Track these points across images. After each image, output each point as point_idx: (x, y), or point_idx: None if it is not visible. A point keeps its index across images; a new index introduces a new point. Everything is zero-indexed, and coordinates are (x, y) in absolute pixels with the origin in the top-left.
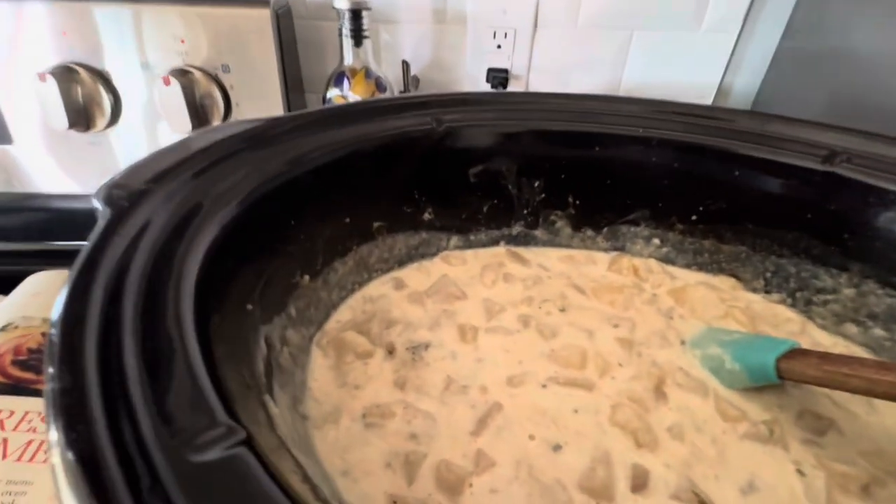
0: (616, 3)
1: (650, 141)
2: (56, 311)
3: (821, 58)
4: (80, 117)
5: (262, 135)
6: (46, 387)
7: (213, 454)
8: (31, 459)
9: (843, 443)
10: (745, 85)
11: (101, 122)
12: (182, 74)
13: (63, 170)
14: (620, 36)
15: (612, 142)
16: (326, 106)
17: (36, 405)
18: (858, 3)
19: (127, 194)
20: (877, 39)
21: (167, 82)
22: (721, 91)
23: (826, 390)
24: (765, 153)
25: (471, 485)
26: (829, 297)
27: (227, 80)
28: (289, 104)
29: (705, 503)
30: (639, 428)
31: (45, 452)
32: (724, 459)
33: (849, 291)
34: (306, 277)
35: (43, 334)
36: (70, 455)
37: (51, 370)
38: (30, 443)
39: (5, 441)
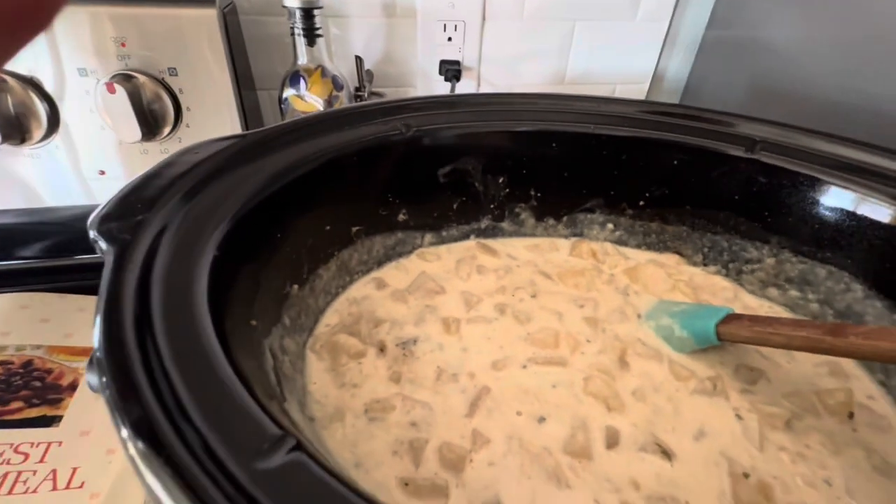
0: None
1: (600, 137)
2: (98, 348)
3: (741, 46)
4: (14, 130)
5: (239, 152)
6: (118, 423)
7: (276, 461)
8: (9, 492)
9: (770, 389)
10: (678, 70)
11: (38, 132)
12: (126, 80)
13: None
14: (564, 26)
15: (567, 139)
16: (298, 118)
17: (5, 437)
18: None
19: (126, 227)
20: (788, 31)
21: (111, 89)
22: (657, 75)
23: (756, 347)
24: (698, 144)
25: (471, 461)
26: (755, 266)
27: (174, 83)
28: (242, 105)
29: (666, 452)
30: (608, 395)
31: (24, 483)
32: (679, 413)
33: (770, 261)
34: (295, 287)
35: (0, 363)
36: (168, 472)
37: (121, 411)
38: (5, 476)
39: None
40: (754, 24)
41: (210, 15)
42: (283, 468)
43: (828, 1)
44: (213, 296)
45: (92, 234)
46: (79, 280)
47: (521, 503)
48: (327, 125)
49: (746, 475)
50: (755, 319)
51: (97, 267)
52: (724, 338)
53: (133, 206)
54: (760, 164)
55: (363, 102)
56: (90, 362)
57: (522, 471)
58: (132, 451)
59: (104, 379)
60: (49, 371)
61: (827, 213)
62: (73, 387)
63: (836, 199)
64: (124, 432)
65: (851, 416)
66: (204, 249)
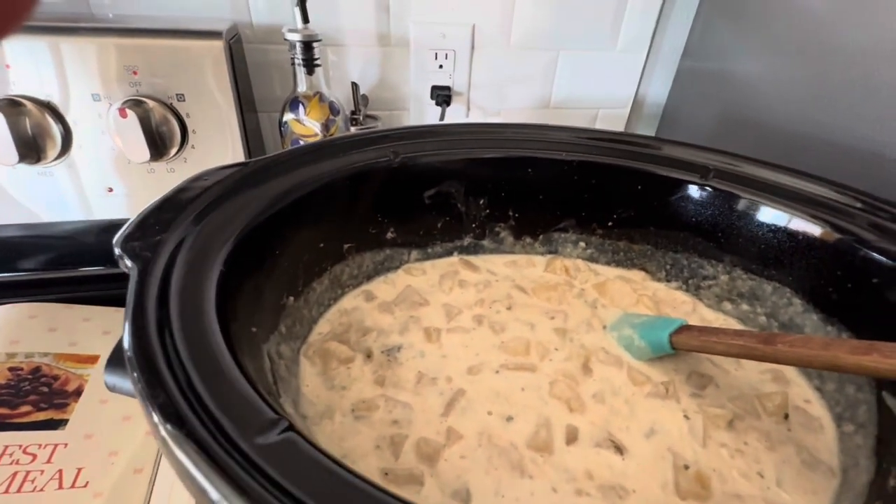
0: (542, 26)
1: (572, 163)
2: (128, 348)
3: (712, 76)
4: (30, 150)
5: (243, 178)
6: (148, 409)
7: (272, 438)
8: (18, 490)
9: (717, 393)
10: (655, 97)
11: (53, 152)
12: (137, 105)
13: (12, 202)
14: (548, 55)
15: (543, 165)
16: (295, 147)
17: (14, 438)
18: (737, 34)
19: (147, 246)
20: (754, 63)
21: (123, 114)
22: (637, 101)
23: (708, 356)
24: (659, 171)
25: (445, 454)
26: (711, 282)
27: (182, 108)
28: (244, 127)
29: (619, 447)
30: (571, 397)
31: (32, 482)
32: (634, 414)
33: (724, 277)
34: (291, 298)
35: (10, 369)
36: (192, 446)
37: (150, 399)
38: (14, 475)
39: None
40: (724, 55)
41: (217, 46)
42: (279, 444)
43: (788, 36)
44: (220, 306)
45: (117, 251)
46: (84, 291)
47: (487, 491)
48: (323, 153)
49: (687, 467)
50: (703, 330)
51: (100, 279)
52: (677, 346)
53: (152, 227)
54: (713, 190)
55: (355, 132)
56: (109, 365)
57: (490, 462)
58: (162, 432)
59: (135, 374)
60: (56, 377)
61: (770, 234)
62: (78, 392)
63: (777, 221)
64: (154, 417)
65: (787, 417)
66: (212, 265)
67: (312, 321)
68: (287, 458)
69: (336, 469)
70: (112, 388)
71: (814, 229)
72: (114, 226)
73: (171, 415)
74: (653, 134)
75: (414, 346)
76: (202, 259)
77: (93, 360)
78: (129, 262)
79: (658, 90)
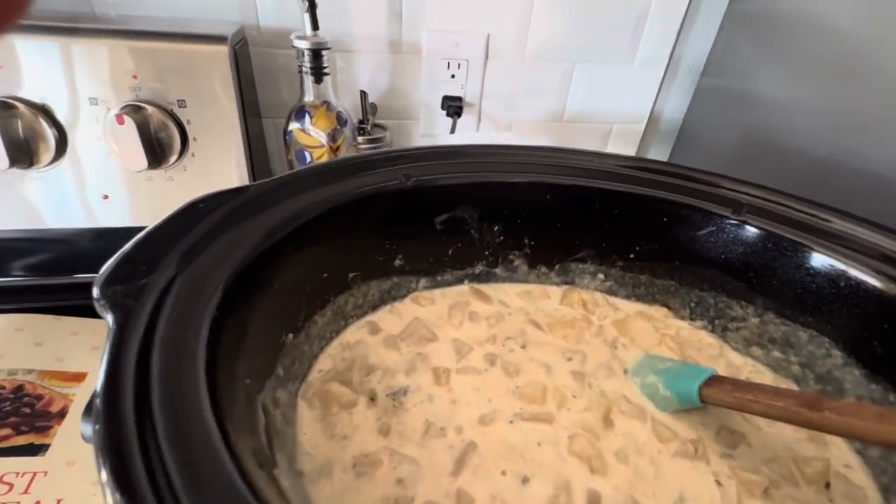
0: (559, 38)
1: (593, 190)
2: (96, 425)
3: (733, 95)
4: (23, 154)
5: (242, 206)
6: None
7: None
8: None
9: (750, 454)
10: (672, 113)
11: (46, 157)
12: (135, 111)
13: (3, 207)
14: (564, 67)
15: (562, 191)
16: (304, 168)
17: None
18: (762, 52)
19: (130, 291)
20: (778, 86)
21: (121, 120)
22: (653, 117)
23: None
24: (687, 203)
25: None
26: (739, 324)
27: (183, 114)
28: (248, 135)
29: None
30: (592, 455)
31: None
32: (660, 476)
33: (754, 320)
34: (290, 336)
35: None
36: None
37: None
38: None
39: None
40: (747, 74)
41: (222, 51)
42: None
43: (818, 57)
44: (210, 360)
45: (96, 295)
46: (76, 299)
47: None
48: (329, 175)
49: None
50: (737, 384)
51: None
52: (707, 400)
53: (137, 267)
54: (746, 227)
55: (364, 153)
56: (85, 414)
57: None
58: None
59: (99, 458)
60: (39, 397)
61: (809, 278)
62: (62, 414)
63: (817, 265)
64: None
65: (828, 485)
66: (204, 312)
67: (313, 357)
68: None
69: None
70: (88, 440)
71: (859, 276)
72: (110, 232)
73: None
74: (668, 151)
75: (421, 388)
76: (192, 305)
77: (80, 377)
78: (108, 313)
79: (676, 107)
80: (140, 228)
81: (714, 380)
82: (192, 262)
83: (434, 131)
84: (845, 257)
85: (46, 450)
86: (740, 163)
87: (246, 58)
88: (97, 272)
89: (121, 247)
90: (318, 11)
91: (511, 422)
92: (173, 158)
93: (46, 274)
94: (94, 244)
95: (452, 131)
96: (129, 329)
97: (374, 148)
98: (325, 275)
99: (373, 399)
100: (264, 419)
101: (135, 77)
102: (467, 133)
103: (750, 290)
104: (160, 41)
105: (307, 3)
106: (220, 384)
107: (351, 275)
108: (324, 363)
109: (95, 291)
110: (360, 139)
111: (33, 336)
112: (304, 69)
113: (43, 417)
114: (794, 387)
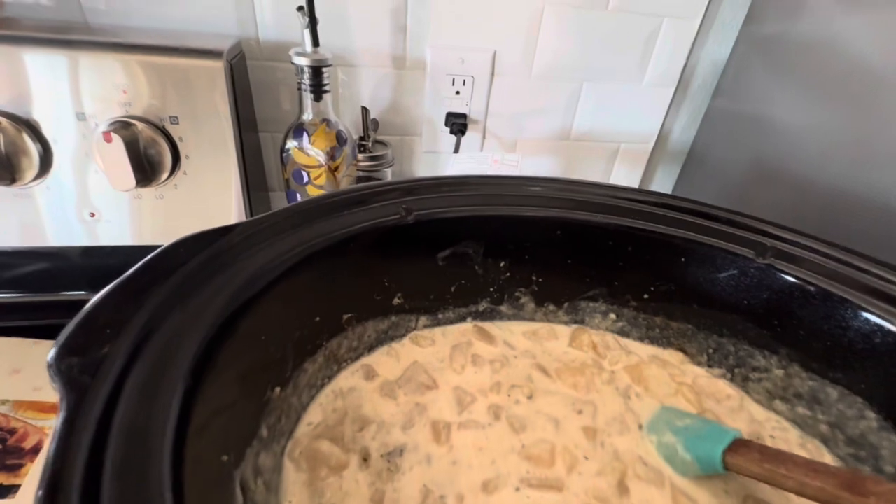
0: (567, 57)
1: (607, 227)
2: None
3: (745, 119)
4: (4, 170)
5: (230, 249)
6: None
7: None
8: None
9: None
10: (682, 134)
11: (30, 173)
12: (124, 127)
13: None
14: (571, 86)
15: (573, 227)
16: (296, 203)
17: None
18: (777, 76)
19: (87, 365)
20: (793, 113)
21: (108, 138)
22: (661, 137)
23: None
24: (707, 243)
25: None
26: (762, 375)
27: (175, 131)
28: (243, 152)
29: None
30: None
31: None
32: None
33: (778, 372)
34: (277, 390)
35: None
36: None
37: None
38: None
39: None
40: (760, 98)
41: (217, 67)
42: None
43: (836, 83)
44: (178, 443)
45: (50, 370)
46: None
47: None
48: (324, 210)
49: None
50: (766, 453)
51: (79, 305)
52: (733, 469)
53: (99, 332)
54: (771, 272)
55: (362, 185)
56: None
57: None
58: None
59: None
60: (13, 431)
61: (839, 331)
62: (36, 450)
63: (849, 318)
64: None
65: None
66: (176, 382)
67: (301, 409)
68: None
69: None
70: None
71: None
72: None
73: None
74: (677, 171)
75: (419, 447)
76: (160, 376)
77: (56, 408)
78: (60, 392)
79: (685, 128)
80: (127, 248)
81: (740, 444)
82: (164, 320)
83: (437, 148)
84: (880, 310)
85: (16, 491)
86: (750, 188)
87: (243, 72)
88: (82, 290)
89: (106, 265)
90: (320, 24)
91: (517, 489)
92: (164, 177)
93: (28, 292)
94: (80, 261)
95: (456, 150)
96: (83, 414)
97: (375, 165)
98: (317, 319)
99: (366, 459)
100: (243, 499)
101: (125, 92)
102: (471, 152)
103: (774, 340)
104: (152, 55)
105: (308, 19)
106: (188, 475)
107: (345, 316)
108: (314, 415)
109: (49, 364)
110: (360, 156)
111: (11, 362)
112: (303, 86)
113: (15, 454)
114: (822, 447)
